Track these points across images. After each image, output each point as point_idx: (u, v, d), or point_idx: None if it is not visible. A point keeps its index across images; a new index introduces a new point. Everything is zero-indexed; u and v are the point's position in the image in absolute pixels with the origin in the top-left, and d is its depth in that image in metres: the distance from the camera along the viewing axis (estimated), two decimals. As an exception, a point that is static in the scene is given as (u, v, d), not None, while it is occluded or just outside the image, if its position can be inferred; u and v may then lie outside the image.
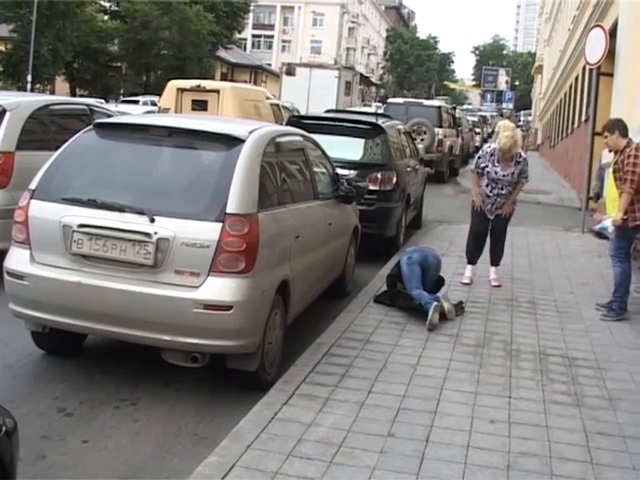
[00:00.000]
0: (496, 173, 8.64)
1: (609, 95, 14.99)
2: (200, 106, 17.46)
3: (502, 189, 8.71)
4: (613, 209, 8.02)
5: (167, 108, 17.69)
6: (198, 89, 17.96)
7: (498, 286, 8.87)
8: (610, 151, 8.29)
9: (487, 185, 8.76)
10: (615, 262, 8.01)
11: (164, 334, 5.09)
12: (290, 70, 39.90)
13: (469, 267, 9.06)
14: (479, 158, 8.90)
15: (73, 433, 4.77)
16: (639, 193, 7.69)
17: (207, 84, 19.03)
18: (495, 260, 9.14)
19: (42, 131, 8.71)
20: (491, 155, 8.69)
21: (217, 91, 17.59)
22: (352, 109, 23.35)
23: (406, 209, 11.28)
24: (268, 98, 20.00)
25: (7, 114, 8.18)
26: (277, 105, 20.51)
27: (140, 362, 5.85)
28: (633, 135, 8.06)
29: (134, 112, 20.09)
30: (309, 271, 6.58)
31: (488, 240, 9.11)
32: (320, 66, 44.33)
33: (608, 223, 8.09)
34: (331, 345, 6.31)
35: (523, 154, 8.92)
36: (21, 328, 5.81)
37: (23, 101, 8.85)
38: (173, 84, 18.73)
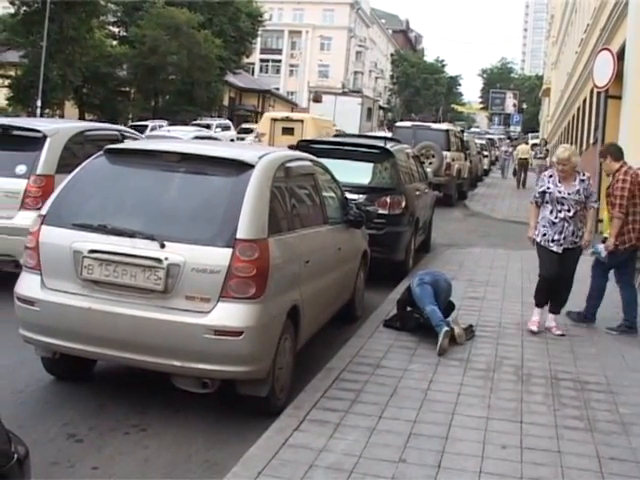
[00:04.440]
0: (560, 192, 7.76)
1: (617, 118, 15.01)
2: (288, 132, 22.77)
3: (569, 210, 7.73)
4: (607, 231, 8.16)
5: (263, 133, 23.70)
6: (287, 119, 24.33)
7: (562, 335, 7.95)
8: (608, 175, 8.37)
9: (551, 212, 7.83)
10: (621, 286, 8.07)
11: (174, 360, 5.08)
12: (317, 97, 43.90)
13: (537, 310, 8.11)
14: (537, 185, 8.21)
15: (83, 460, 4.75)
16: (628, 216, 7.74)
17: (294, 116, 26.20)
18: (556, 307, 8.18)
19: (78, 155, 8.90)
20: (550, 176, 7.93)
21: (301, 121, 23.57)
22: (365, 134, 23.73)
23: (415, 233, 11.26)
24: (334, 125, 26.06)
25: (48, 140, 8.77)
26: (339, 131, 25.98)
27: (150, 388, 5.83)
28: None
29: (185, 136, 23.96)
30: (319, 296, 6.57)
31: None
32: (344, 94, 47.74)
33: (601, 247, 8.09)
34: (341, 370, 6.29)
35: (586, 172, 8.04)
36: (30, 354, 5.80)
37: (61, 127, 9.48)
38: (268, 115, 26.19)
